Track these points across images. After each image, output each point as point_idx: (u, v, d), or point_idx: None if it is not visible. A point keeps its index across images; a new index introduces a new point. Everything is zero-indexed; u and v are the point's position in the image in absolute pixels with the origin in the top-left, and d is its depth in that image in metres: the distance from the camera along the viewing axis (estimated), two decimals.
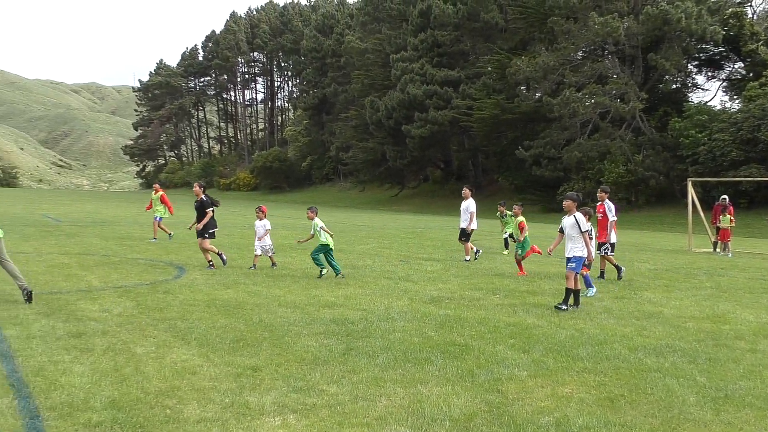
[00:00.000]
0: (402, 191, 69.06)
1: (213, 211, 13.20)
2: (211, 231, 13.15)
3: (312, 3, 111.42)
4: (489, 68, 55.38)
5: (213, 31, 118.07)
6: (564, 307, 9.22)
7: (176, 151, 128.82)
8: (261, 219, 13.40)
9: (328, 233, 12.22)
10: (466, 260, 15.76)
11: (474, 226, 15.93)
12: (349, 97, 75.14)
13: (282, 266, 13.64)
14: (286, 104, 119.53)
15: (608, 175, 43.45)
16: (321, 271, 12.05)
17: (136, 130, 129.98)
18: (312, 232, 12.41)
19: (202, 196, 13.20)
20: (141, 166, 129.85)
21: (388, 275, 12.78)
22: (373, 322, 8.09)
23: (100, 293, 9.64)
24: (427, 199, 63.86)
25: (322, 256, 12.17)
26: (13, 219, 26.21)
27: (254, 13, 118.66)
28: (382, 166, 65.85)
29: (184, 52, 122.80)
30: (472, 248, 16.13)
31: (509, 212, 17.95)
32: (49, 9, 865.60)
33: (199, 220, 13.11)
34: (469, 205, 15.94)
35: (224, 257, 13.34)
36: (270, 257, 13.50)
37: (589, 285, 10.86)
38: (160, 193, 19.58)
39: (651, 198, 44.86)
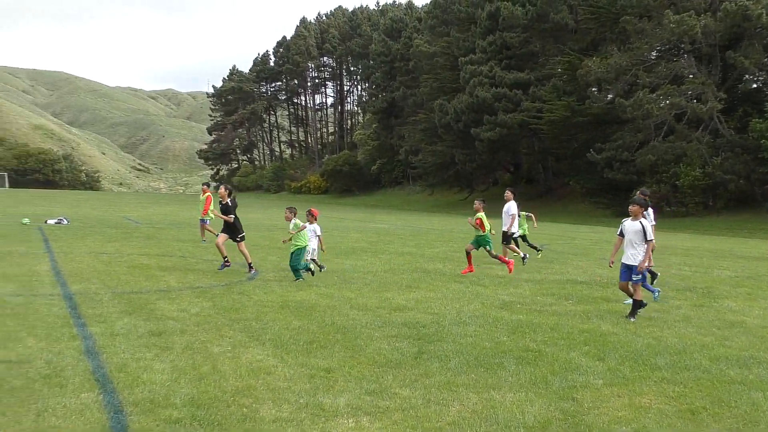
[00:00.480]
0: (471, 195, 68.56)
1: (234, 217, 12.87)
2: (242, 234, 12.93)
3: (380, 7, 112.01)
4: (559, 70, 54.35)
5: (284, 37, 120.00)
6: (633, 319, 8.96)
7: (249, 155, 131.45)
8: (311, 223, 13.01)
9: (304, 234, 11.86)
10: (522, 258, 15.80)
11: (514, 229, 15.98)
12: (417, 101, 75.09)
13: (353, 269, 13.75)
14: (356, 108, 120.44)
15: (684, 178, 42.03)
16: (297, 279, 11.61)
17: (210, 135, 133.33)
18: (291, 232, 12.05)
19: (228, 200, 12.91)
20: (215, 170, 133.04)
21: (458, 279, 12.72)
22: (444, 326, 8.08)
23: (178, 293, 9.93)
24: (496, 203, 62.67)
25: (303, 262, 11.80)
26: (97, 221, 27.36)
27: (324, 18, 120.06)
28: (451, 170, 65.49)
29: (255, 58, 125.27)
30: (516, 251, 16.05)
31: (523, 212, 17.84)
32: (126, 19, 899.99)
33: (225, 222, 12.88)
34: (509, 207, 15.98)
35: (229, 264, 12.95)
36: (313, 260, 13.02)
37: (650, 290, 10.54)
38: (207, 194, 19.99)
39: (730, 202, 43.14)
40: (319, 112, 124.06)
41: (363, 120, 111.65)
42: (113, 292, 9.75)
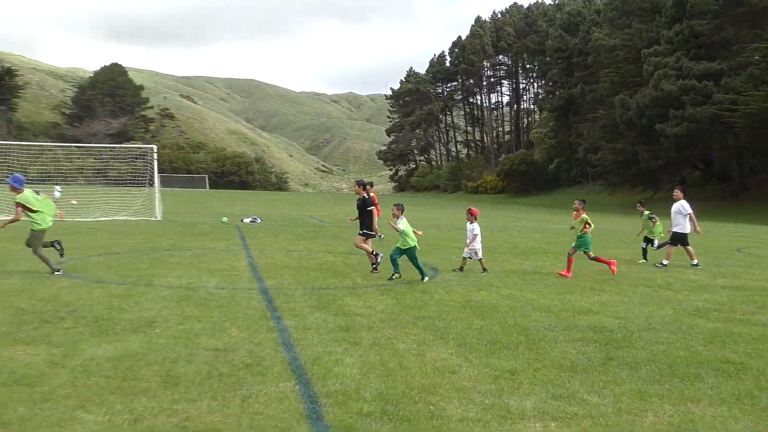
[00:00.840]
0: (656, 194, 64.90)
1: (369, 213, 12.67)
2: (364, 231, 12.71)
3: (556, 2, 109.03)
4: (756, 57, 49.86)
5: (459, 37, 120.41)
6: None
7: (426, 155, 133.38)
8: (471, 222, 12.88)
9: (412, 233, 11.43)
10: (693, 264, 15.10)
11: (687, 229, 15.28)
12: (596, 97, 72.38)
13: (533, 270, 13.54)
14: (532, 106, 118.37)
15: None
16: (393, 275, 11.40)
17: (389, 136, 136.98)
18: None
19: (364, 194, 12.93)
20: (394, 170, 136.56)
21: (646, 282, 12.13)
22: (633, 332, 7.74)
23: (363, 290, 10.31)
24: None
25: (400, 258, 11.42)
26: (287, 220, 29.16)
27: (498, 16, 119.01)
28: (634, 168, 62.50)
29: (432, 59, 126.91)
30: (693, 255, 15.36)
31: (647, 212, 16.54)
32: (310, 29, 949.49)
33: (360, 217, 12.80)
34: (680, 207, 15.06)
35: (379, 258, 12.64)
36: (479, 261, 12.85)
37: None
38: (372, 194, 20.38)
39: None
40: (495, 111, 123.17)
41: (539, 118, 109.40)
42: (304, 288, 10.30)
